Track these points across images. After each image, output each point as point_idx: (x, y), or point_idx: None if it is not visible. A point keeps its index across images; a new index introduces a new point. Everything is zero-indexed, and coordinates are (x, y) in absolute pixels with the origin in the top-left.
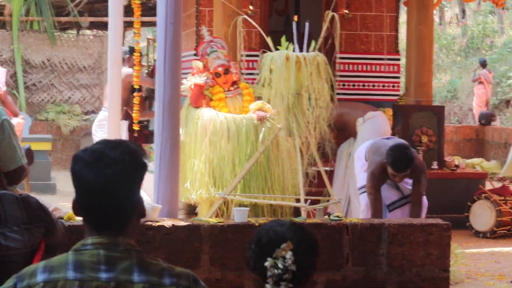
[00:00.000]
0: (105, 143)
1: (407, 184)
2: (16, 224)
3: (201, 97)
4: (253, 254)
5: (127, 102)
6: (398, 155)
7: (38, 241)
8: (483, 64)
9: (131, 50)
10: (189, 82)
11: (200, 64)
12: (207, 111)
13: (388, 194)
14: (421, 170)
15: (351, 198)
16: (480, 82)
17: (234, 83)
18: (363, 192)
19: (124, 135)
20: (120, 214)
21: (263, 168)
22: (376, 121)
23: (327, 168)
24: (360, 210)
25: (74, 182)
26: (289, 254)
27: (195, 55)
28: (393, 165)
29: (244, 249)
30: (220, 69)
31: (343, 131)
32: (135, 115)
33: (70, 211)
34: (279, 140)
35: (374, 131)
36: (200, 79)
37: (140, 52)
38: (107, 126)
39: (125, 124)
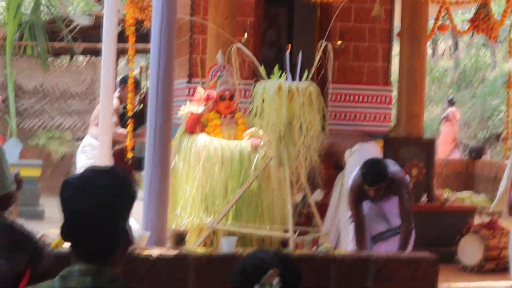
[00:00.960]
0: (94, 170)
1: (395, 216)
2: (2, 250)
3: (197, 124)
4: (239, 283)
5: None
6: (369, 168)
7: (23, 269)
8: (451, 103)
9: (124, 80)
10: (189, 109)
11: (202, 92)
12: (201, 137)
13: (375, 225)
14: (400, 184)
15: (341, 230)
16: (447, 120)
17: (232, 111)
18: (352, 222)
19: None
20: (107, 242)
21: (255, 196)
22: (364, 153)
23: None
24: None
25: (63, 209)
26: (276, 281)
27: (187, 82)
28: (364, 178)
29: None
30: (227, 93)
31: (335, 161)
32: (128, 142)
33: (58, 238)
34: (270, 169)
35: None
36: (199, 108)
37: (135, 80)
38: (89, 152)
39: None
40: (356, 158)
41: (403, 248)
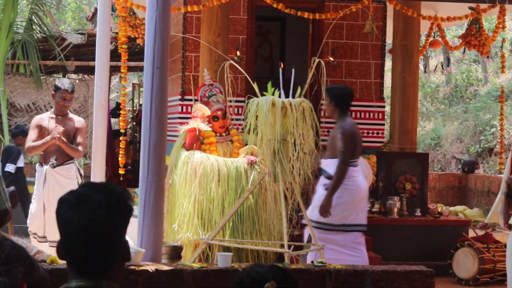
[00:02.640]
0: (90, 186)
1: None
2: None
3: (196, 141)
4: None
5: None
6: None
7: (19, 282)
8: None
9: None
10: (195, 125)
11: (206, 110)
12: (197, 153)
13: None
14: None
15: None
16: None
17: (226, 129)
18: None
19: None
20: (104, 257)
21: (251, 212)
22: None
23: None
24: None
25: (59, 225)
26: None
27: (180, 100)
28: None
29: None
30: (219, 113)
31: None
32: (120, 159)
33: (54, 255)
34: (265, 185)
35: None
36: (203, 126)
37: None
38: None
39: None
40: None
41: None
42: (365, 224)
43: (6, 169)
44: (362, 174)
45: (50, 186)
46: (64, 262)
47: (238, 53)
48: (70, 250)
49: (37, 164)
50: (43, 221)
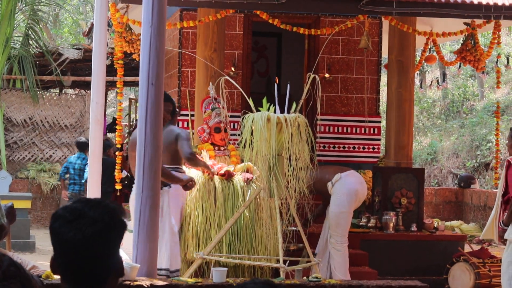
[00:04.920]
0: (85, 201)
1: None
2: None
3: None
4: None
5: None
6: None
7: None
8: None
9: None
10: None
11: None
12: (194, 171)
13: None
14: None
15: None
16: None
17: (225, 143)
18: None
19: None
20: (98, 272)
21: (248, 229)
22: (345, 181)
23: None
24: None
25: (53, 240)
26: None
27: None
28: None
29: None
30: (222, 125)
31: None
32: (117, 174)
33: (49, 269)
34: (261, 201)
35: (345, 191)
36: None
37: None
38: None
39: None
40: (338, 187)
41: None
42: None
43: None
44: None
45: None
46: (59, 277)
47: (233, 68)
48: (64, 265)
49: None
50: None
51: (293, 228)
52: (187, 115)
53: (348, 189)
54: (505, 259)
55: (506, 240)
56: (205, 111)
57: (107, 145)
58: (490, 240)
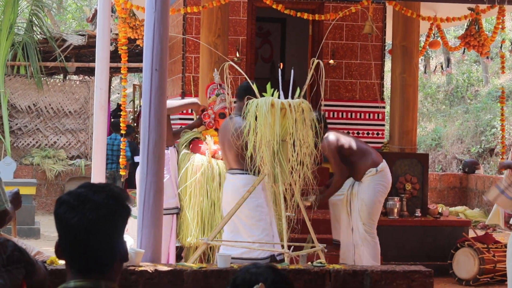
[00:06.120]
0: (89, 187)
1: None
2: None
3: (200, 148)
4: None
5: None
6: None
7: (19, 283)
8: None
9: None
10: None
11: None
12: (198, 156)
13: None
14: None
15: (356, 244)
16: None
17: None
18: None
19: None
20: (102, 257)
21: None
22: (386, 173)
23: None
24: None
25: (58, 225)
26: None
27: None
28: None
29: None
30: (226, 111)
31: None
32: (121, 160)
33: (54, 255)
34: (265, 186)
35: (386, 181)
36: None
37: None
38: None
39: None
40: (379, 177)
41: None
42: None
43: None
44: None
45: None
46: (64, 262)
47: (237, 54)
48: (69, 251)
49: None
50: None
51: (287, 214)
52: None
53: (389, 179)
54: (511, 245)
55: (511, 225)
56: (210, 97)
57: (131, 130)
58: (495, 226)
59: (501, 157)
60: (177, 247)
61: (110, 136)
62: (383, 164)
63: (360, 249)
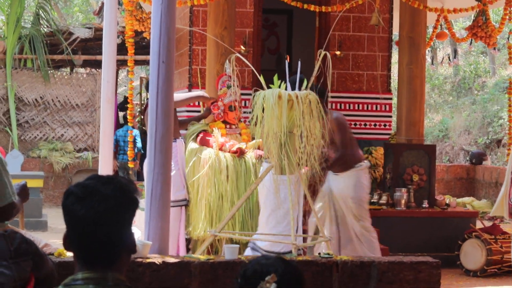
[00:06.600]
0: (97, 178)
1: None
2: (4, 259)
3: (208, 141)
4: (239, 287)
5: None
6: None
7: (27, 275)
8: None
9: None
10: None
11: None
12: (206, 149)
13: None
14: None
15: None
16: None
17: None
18: None
19: None
20: (110, 249)
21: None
22: (366, 171)
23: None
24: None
25: (66, 217)
26: (273, 286)
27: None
28: None
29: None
30: (236, 103)
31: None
32: (129, 152)
33: (61, 248)
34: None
35: (366, 180)
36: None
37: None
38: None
39: None
40: (362, 172)
41: None
42: None
43: None
44: None
45: None
46: (71, 254)
47: (242, 47)
48: (76, 242)
49: None
50: None
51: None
52: None
53: (368, 179)
54: None
55: None
56: (220, 88)
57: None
58: (502, 217)
59: (507, 148)
60: (185, 239)
61: (122, 128)
62: (367, 163)
63: (355, 245)
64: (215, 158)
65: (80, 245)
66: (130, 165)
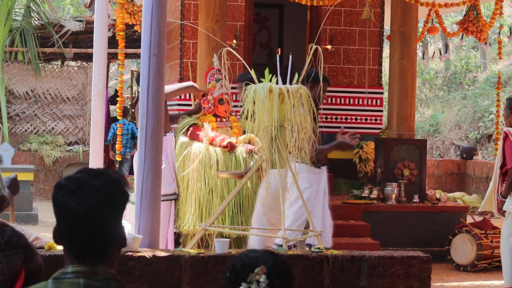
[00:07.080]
0: (87, 171)
1: None
2: None
3: (198, 135)
4: (228, 280)
5: None
6: None
7: (17, 269)
8: None
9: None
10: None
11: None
12: (196, 143)
13: None
14: None
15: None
16: None
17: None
18: None
19: None
20: (100, 242)
21: (250, 200)
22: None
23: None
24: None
25: (56, 210)
26: (263, 278)
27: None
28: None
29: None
30: (226, 97)
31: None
32: (118, 146)
33: (51, 241)
34: (263, 172)
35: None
36: (209, 130)
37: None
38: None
39: None
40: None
41: None
42: None
43: None
44: None
45: None
46: (61, 248)
47: (235, 40)
48: (67, 236)
49: None
50: None
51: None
52: None
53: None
54: (504, 231)
55: (505, 211)
56: (209, 82)
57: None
58: (492, 212)
59: (495, 143)
60: (175, 233)
61: (118, 121)
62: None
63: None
64: (205, 152)
65: (70, 239)
66: (118, 158)
